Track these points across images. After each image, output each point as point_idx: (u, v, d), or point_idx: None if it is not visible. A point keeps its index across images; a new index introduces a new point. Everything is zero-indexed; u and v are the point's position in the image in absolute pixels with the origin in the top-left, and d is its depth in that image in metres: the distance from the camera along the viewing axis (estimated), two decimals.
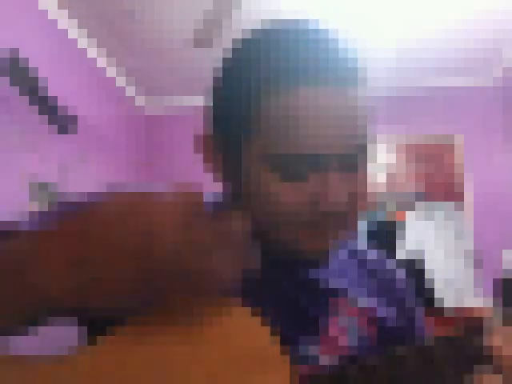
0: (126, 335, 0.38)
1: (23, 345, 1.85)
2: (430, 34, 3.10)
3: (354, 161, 0.51)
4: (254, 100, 0.50)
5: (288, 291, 0.56)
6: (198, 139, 0.57)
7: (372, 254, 0.66)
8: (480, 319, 0.43)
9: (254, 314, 0.38)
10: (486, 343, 0.42)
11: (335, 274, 0.60)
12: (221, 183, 0.59)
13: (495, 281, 2.40)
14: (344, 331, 0.54)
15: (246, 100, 0.51)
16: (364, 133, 0.51)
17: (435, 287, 3.24)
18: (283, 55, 0.49)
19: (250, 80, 0.51)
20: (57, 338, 1.95)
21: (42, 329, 2.04)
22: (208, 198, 0.62)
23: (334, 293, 0.57)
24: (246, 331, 0.37)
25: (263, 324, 0.38)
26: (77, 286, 0.34)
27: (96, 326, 0.50)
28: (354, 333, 0.55)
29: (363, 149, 0.51)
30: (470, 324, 0.43)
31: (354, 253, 0.65)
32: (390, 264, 0.66)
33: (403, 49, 3.23)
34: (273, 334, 0.38)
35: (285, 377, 0.36)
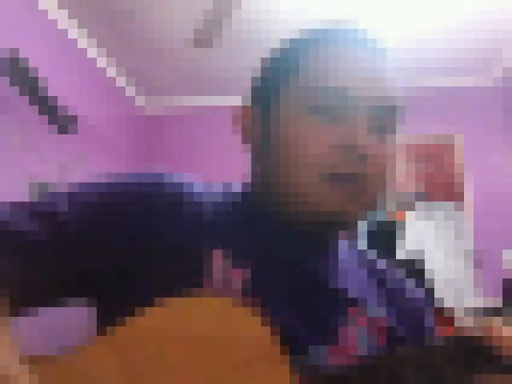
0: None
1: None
2: (429, 33, 3.09)
3: (381, 122, 0.57)
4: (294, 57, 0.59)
5: (302, 297, 0.55)
6: (236, 116, 0.64)
7: (381, 264, 0.66)
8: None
9: (254, 315, 0.38)
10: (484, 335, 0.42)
11: (345, 283, 0.59)
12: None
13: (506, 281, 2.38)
14: (354, 340, 0.54)
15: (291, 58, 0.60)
16: (392, 97, 0.59)
17: (435, 287, 3.24)
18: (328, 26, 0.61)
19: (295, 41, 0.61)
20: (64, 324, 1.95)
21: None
22: (236, 187, 0.65)
23: (347, 302, 0.57)
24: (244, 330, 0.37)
25: (263, 324, 0.37)
26: None
27: (107, 312, 0.50)
28: (364, 342, 0.55)
29: (391, 113, 0.58)
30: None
31: (363, 262, 0.65)
32: (400, 274, 0.66)
33: (403, 49, 3.23)
34: (273, 333, 0.38)
35: (285, 377, 0.36)
